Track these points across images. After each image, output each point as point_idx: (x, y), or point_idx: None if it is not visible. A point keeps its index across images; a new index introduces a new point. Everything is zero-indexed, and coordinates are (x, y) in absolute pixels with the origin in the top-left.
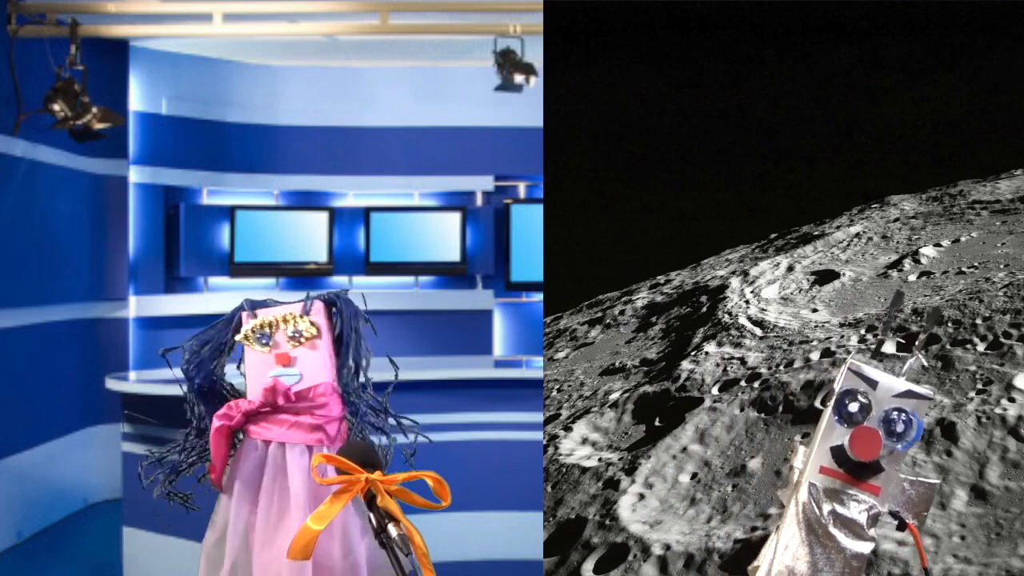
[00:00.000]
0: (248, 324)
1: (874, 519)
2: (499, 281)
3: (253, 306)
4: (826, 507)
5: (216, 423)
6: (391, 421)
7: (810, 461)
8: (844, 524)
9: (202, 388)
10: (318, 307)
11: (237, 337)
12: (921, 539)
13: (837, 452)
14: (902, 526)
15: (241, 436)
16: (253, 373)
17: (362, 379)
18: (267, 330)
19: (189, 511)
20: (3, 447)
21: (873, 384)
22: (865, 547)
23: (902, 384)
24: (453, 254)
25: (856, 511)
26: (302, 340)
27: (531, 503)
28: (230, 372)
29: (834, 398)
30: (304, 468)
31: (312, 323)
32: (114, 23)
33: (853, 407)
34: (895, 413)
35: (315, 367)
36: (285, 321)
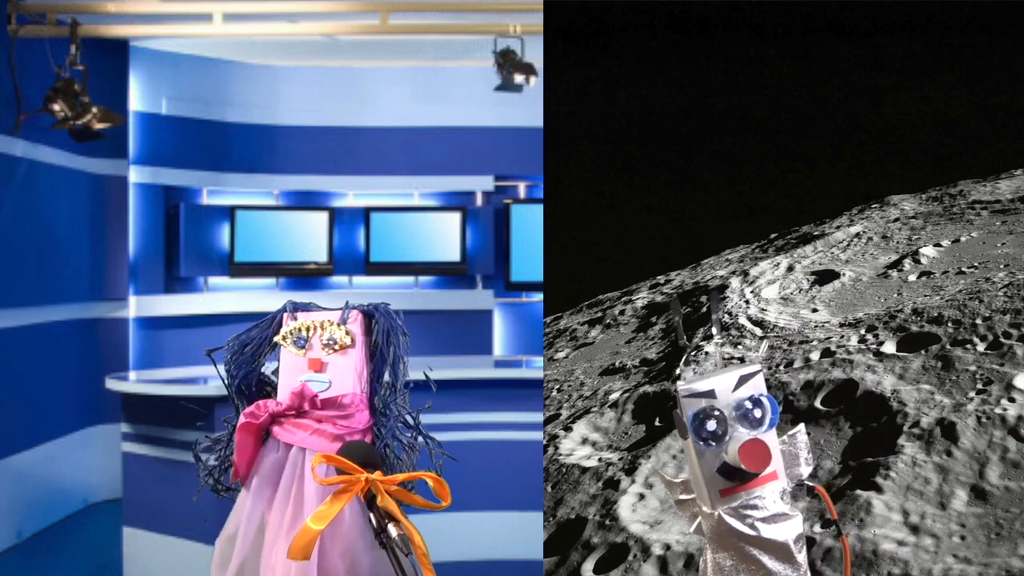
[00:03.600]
0: (288, 326)
1: (786, 496)
2: (499, 281)
3: (295, 308)
4: (747, 521)
5: (242, 420)
6: (419, 439)
7: (706, 493)
8: (771, 521)
9: (241, 387)
10: (355, 317)
11: (276, 338)
12: (829, 496)
13: (723, 470)
14: (810, 491)
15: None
16: (285, 375)
17: (398, 394)
18: (304, 333)
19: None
20: (3, 447)
21: (711, 393)
22: (798, 523)
23: (731, 375)
24: (453, 254)
25: (772, 505)
26: (335, 348)
27: (531, 503)
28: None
29: (690, 428)
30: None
31: (347, 332)
32: (114, 23)
33: (711, 425)
34: (745, 403)
35: (344, 376)
36: (322, 327)
